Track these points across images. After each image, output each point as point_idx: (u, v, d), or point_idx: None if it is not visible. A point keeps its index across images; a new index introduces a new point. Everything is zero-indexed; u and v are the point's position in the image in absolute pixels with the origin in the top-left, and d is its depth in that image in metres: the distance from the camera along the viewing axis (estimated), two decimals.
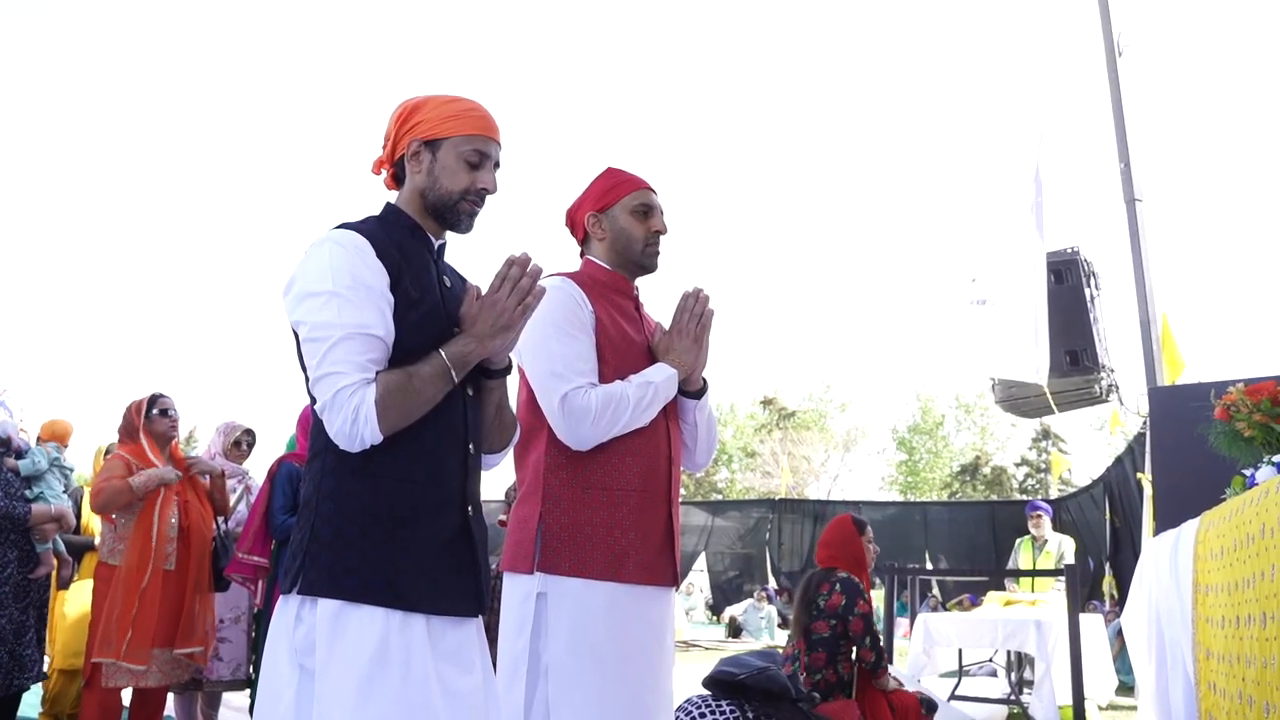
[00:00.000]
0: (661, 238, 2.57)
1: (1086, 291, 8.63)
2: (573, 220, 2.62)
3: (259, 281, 49.86)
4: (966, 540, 16.65)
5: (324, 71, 50.85)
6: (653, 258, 2.57)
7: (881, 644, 4.40)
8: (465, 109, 1.95)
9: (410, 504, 1.79)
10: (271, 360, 50.09)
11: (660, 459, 2.46)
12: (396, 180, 2.00)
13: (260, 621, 4.71)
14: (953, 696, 6.82)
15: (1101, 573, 12.11)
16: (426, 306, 1.88)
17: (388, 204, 2.00)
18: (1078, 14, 8.81)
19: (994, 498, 32.41)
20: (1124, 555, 11.22)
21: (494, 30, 51.30)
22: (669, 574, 2.46)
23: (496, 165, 1.99)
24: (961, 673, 7.46)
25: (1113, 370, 8.74)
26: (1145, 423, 7.33)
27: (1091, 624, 7.24)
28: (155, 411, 4.60)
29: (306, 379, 1.81)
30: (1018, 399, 8.92)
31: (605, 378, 2.40)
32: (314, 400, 1.80)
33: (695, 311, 2.54)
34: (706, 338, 2.56)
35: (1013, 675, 7.23)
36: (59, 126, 47.33)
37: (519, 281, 1.84)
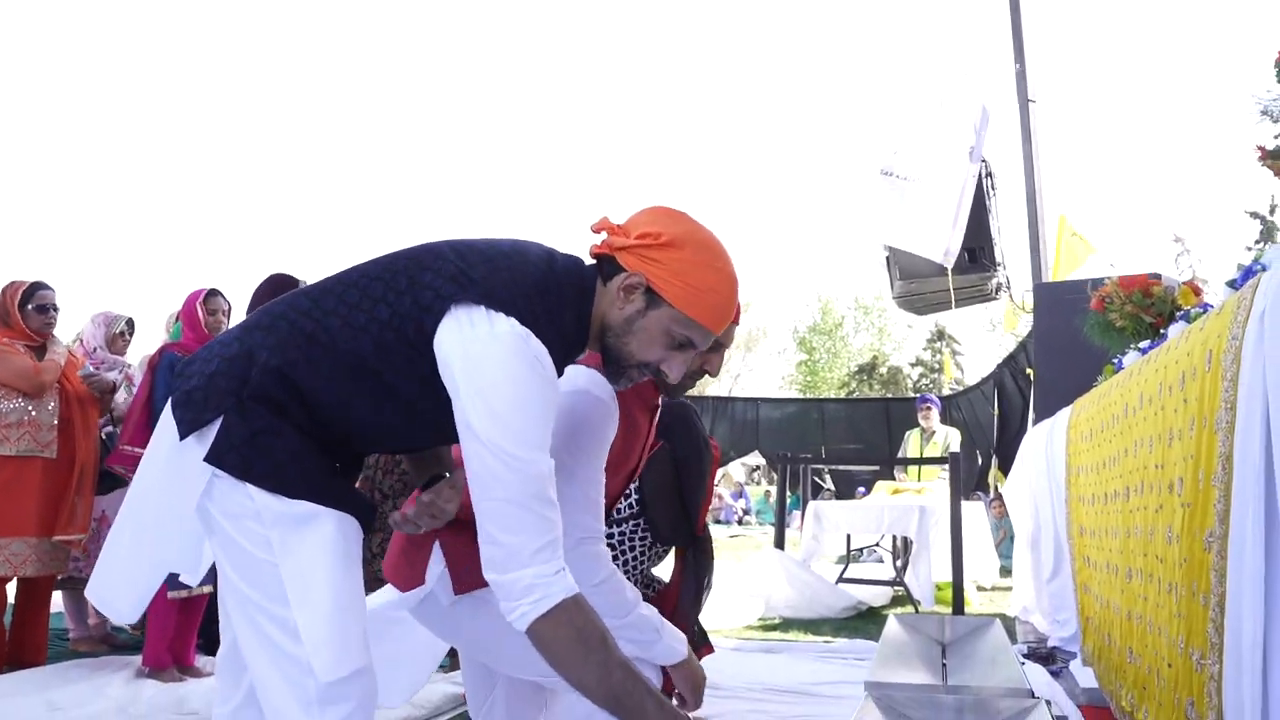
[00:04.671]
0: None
1: (984, 190, 8.80)
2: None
3: (129, 161, 48.01)
4: (862, 436, 17.10)
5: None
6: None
7: None
8: (713, 289, 1.63)
9: (316, 439, 1.62)
10: (147, 244, 48.59)
11: None
12: (602, 266, 1.68)
13: None
14: (840, 579, 7.09)
15: (989, 466, 12.58)
16: None
17: (589, 303, 1.67)
18: None
19: (889, 396, 33.31)
20: (1009, 449, 11.66)
21: None
22: None
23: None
24: (849, 557, 7.75)
25: (1005, 268, 8.99)
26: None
27: (974, 511, 7.56)
28: (31, 307, 4.37)
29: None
30: (914, 295, 9.11)
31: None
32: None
33: None
34: None
35: (898, 561, 7.53)
36: None
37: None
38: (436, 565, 2.02)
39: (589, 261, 1.71)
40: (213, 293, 4.70)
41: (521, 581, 1.49)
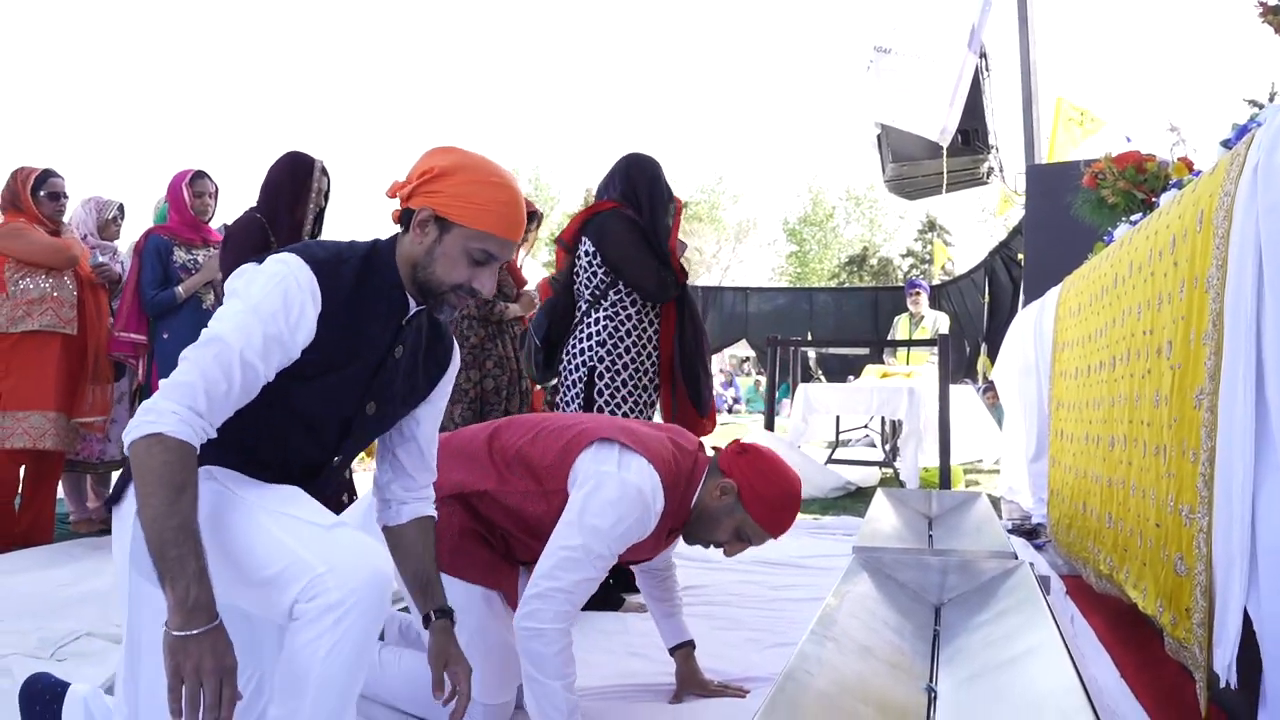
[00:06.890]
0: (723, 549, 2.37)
1: (979, 72, 8.66)
2: (729, 464, 2.32)
3: (115, 45, 46.88)
4: (851, 326, 17.17)
5: None
6: (702, 542, 2.39)
7: None
8: (493, 200, 1.72)
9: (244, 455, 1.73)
10: (135, 126, 47.83)
11: None
12: (402, 220, 1.77)
13: (144, 398, 4.66)
14: (829, 460, 7.19)
15: (978, 353, 12.64)
16: (340, 375, 1.75)
17: (389, 252, 1.79)
18: None
19: (879, 286, 33.32)
20: (998, 337, 11.70)
21: None
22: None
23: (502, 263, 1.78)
24: (838, 439, 7.85)
25: (999, 151, 8.91)
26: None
27: (964, 394, 7.61)
28: (43, 194, 4.45)
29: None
30: (905, 179, 9.03)
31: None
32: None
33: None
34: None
35: (887, 445, 7.63)
36: None
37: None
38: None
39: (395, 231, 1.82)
40: (199, 174, 4.66)
41: (150, 403, 1.51)
